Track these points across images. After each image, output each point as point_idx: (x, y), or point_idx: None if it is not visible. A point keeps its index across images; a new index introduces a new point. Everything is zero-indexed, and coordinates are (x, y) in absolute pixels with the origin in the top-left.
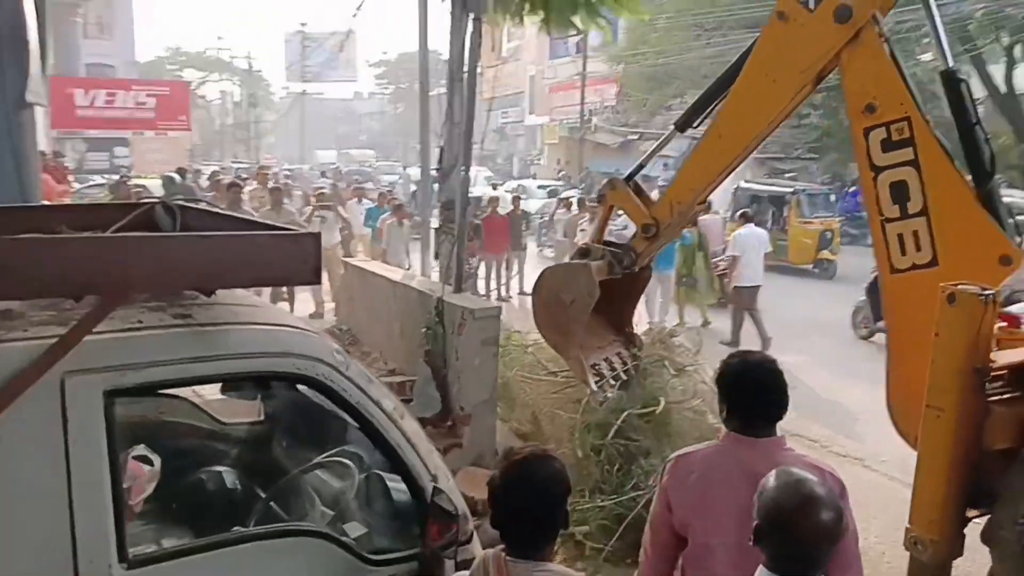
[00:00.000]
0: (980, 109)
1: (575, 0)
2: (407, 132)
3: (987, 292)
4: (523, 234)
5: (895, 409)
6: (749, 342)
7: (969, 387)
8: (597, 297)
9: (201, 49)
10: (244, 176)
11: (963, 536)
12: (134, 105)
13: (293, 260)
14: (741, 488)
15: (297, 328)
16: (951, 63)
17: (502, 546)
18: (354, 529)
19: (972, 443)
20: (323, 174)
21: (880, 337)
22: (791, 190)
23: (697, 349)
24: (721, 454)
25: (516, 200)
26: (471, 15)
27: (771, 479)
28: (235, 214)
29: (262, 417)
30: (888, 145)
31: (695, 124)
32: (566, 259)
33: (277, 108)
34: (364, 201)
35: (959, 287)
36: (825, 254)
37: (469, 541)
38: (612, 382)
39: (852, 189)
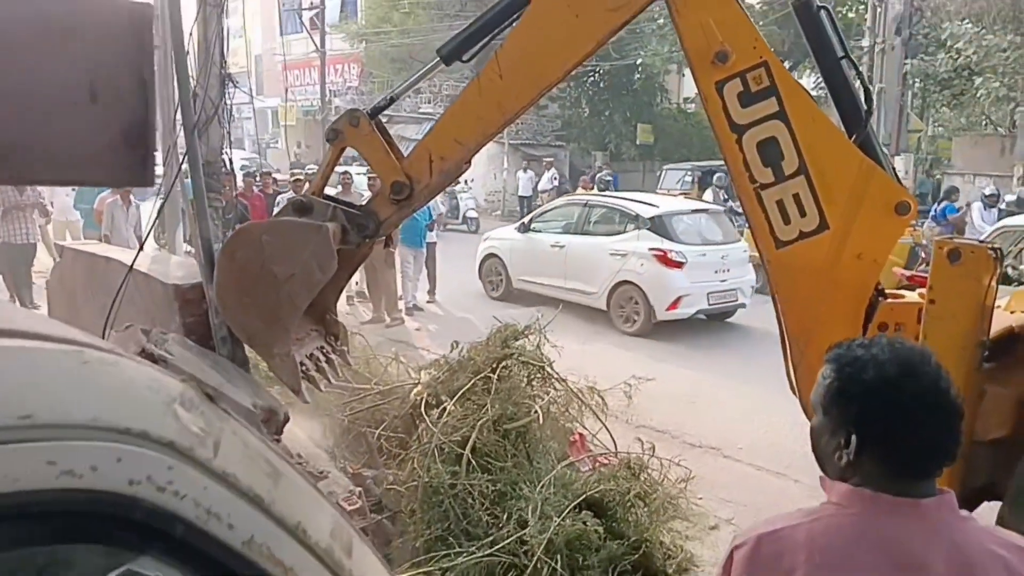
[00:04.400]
0: None
1: None
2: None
3: (993, 246)
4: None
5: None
6: None
7: (972, 366)
8: (333, 272)
9: None
10: None
11: None
12: None
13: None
14: None
15: (66, 341)
16: None
17: None
18: None
19: (968, 434)
20: None
21: None
22: None
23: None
24: (846, 527)
25: (267, 176)
26: None
27: None
28: None
29: None
30: (747, 98)
31: (465, 58)
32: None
33: None
34: None
35: (960, 241)
36: None
37: None
38: (322, 388)
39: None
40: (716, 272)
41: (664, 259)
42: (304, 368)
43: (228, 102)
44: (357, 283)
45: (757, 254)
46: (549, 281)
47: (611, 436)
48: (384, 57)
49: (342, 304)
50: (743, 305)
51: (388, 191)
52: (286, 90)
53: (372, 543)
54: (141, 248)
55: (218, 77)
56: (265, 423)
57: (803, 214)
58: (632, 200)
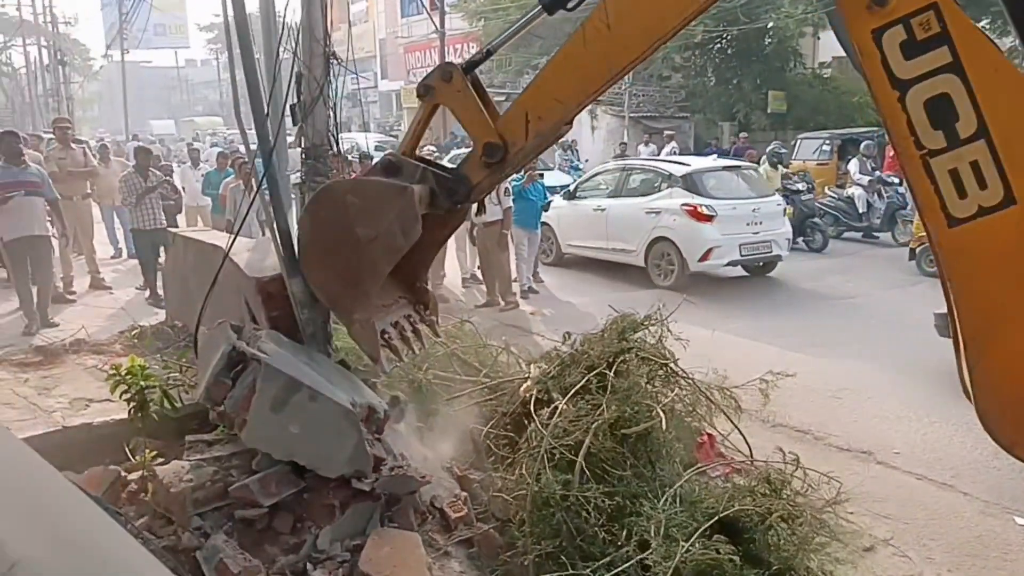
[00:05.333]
0: None
1: None
2: (247, 100)
3: None
4: None
5: (991, 416)
6: None
7: None
8: (416, 238)
9: (2, 9)
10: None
11: None
12: None
13: None
14: None
15: None
16: None
17: None
18: None
19: None
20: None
21: None
22: None
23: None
24: None
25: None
26: None
27: None
28: None
29: None
30: (912, 48)
31: (570, 6)
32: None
33: (98, 76)
34: (201, 166)
35: None
36: None
37: None
38: (405, 358)
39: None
40: (748, 224)
41: (695, 213)
42: (387, 336)
43: (333, 82)
44: (478, 266)
45: (924, 232)
46: (593, 243)
47: (745, 439)
48: (502, 34)
49: (456, 287)
50: (779, 257)
51: (480, 153)
52: (408, 72)
53: (479, 554)
54: (236, 236)
55: (322, 56)
56: (365, 422)
57: (983, 186)
58: (667, 161)
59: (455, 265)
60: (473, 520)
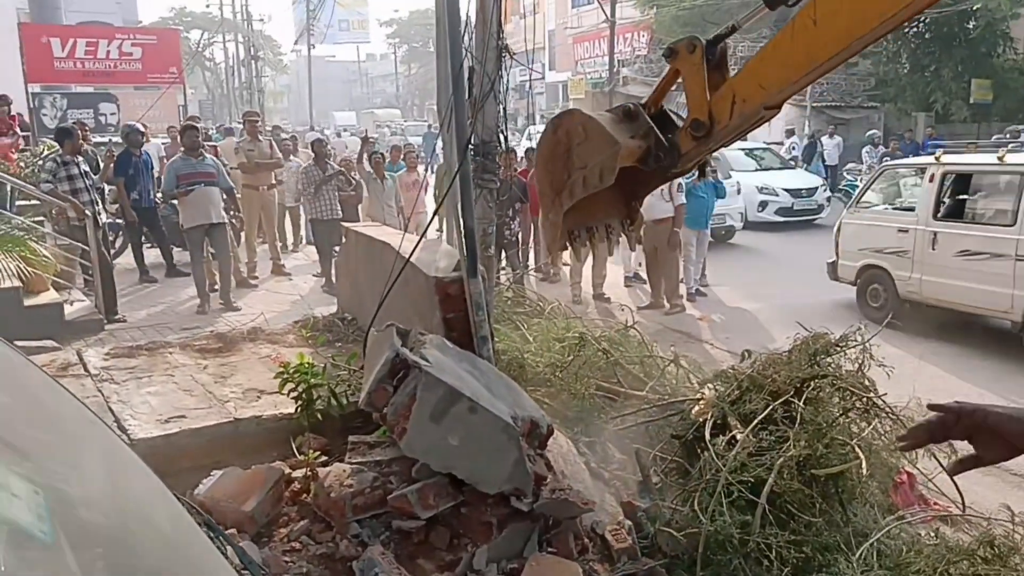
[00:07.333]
0: None
1: None
2: (424, 93)
3: None
4: None
5: None
6: None
7: None
8: (609, 184)
9: (206, 9)
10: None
11: None
12: (119, 56)
13: None
14: None
15: None
16: None
17: None
18: None
19: None
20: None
21: None
22: None
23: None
24: None
25: None
26: None
27: None
28: None
29: None
30: None
31: (791, 2)
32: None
33: (287, 70)
34: None
35: None
36: None
37: None
38: (581, 258)
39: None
40: None
41: None
42: (574, 236)
43: (505, 76)
44: (639, 264)
45: None
46: None
47: (954, 482)
48: (675, 22)
49: (618, 287)
50: (733, 228)
51: (688, 125)
52: (576, 63)
53: None
54: (422, 237)
55: (495, 50)
56: (526, 436)
57: None
58: None
59: (617, 265)
60: (638, 553)
